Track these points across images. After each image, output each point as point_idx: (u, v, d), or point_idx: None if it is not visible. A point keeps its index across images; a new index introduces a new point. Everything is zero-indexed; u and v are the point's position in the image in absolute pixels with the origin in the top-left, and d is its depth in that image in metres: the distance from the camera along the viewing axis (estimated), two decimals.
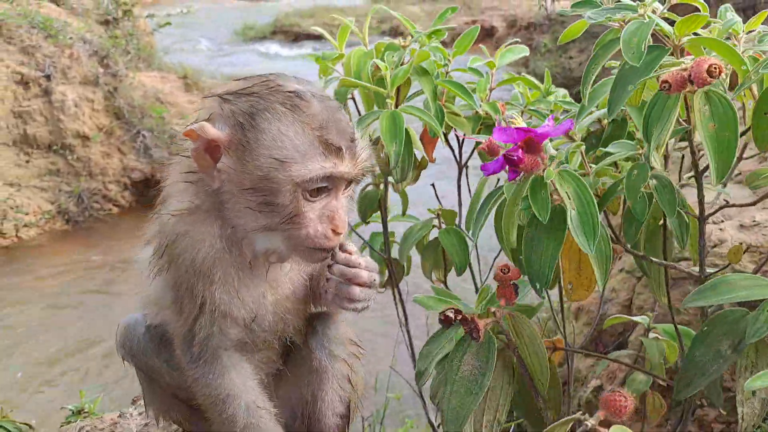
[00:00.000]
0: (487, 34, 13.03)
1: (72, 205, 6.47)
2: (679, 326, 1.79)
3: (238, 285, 1.27)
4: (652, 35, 1.38)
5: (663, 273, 1.72)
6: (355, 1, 17.67)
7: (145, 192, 6.96)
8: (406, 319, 2.55)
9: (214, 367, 1.33)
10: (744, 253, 2.00)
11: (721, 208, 1.72)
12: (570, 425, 1.22)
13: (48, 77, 6.66)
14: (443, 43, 2.15)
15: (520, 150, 1.31)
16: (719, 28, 1.48)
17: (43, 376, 4.44)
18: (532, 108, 2.17)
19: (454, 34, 2.19)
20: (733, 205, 1.71)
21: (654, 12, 1.45)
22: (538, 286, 1.35)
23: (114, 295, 5.38)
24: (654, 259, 1.64)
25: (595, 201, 1.31)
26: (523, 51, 2.22)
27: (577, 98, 1.72)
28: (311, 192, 1.19)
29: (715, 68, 1.23)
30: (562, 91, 2.34)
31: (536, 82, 2.26)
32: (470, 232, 1.69)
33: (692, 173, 1.55)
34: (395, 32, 13.91)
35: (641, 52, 1.33)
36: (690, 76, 1.26)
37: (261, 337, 1.35)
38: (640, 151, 1.51)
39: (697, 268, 1.57)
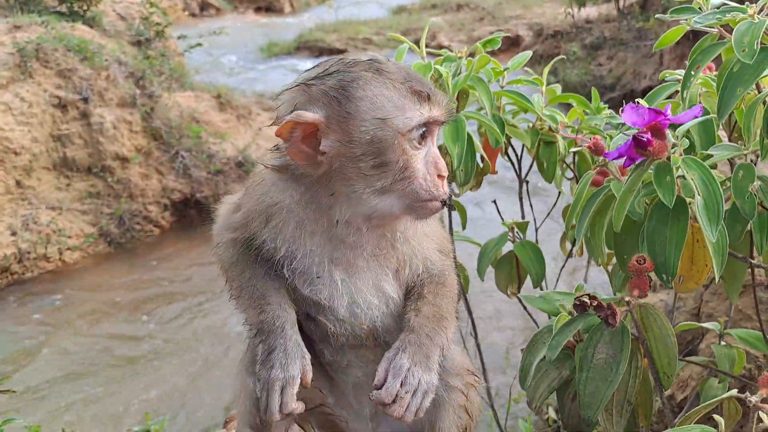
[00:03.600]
0: (513, 44, 12.96)
1: (113, 227, 6.51)
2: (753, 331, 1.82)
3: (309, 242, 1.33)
4: None
5: (742, 274, 1.71)
6: (376, 14, 17.73)
7: (185, 212, 6.99)
8: (474, 331, 2.54)
9: None
10: None
11: None
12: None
13: (85, 100, 6.72)
14: (471, 54, 2.21)
15: (650, 133, 1.32)
16: None
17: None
18: (587, 126, 2.21)
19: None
20: None
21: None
22: (665, 277, 1.38)
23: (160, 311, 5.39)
24: (752, 261, 1.62)
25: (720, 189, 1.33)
26: (526, 56, 2.27)
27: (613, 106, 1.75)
28: (417, 140, 1.26)
29: None
30: (608, 110, 2.38)
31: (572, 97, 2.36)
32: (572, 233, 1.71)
33: None
34: (418, 44, 13.83)
35: (754, 50, 1.34)
36: None
37: (343, 326, 1.36)
38: (746, 152, 1.52)
39: None
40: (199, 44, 8.56)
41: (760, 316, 1.86)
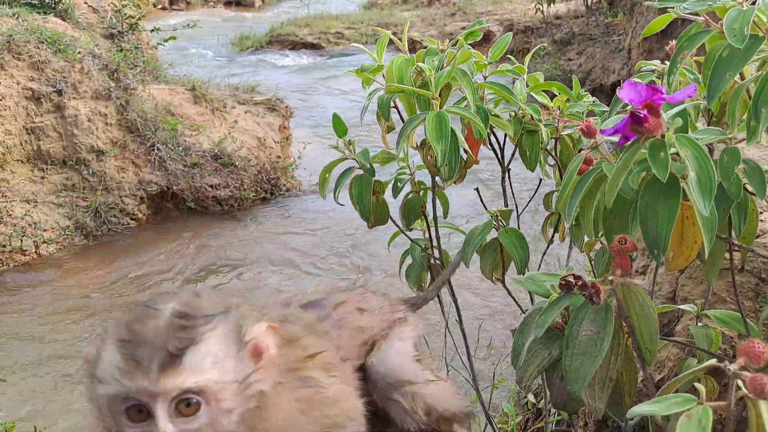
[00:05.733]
0: (484, 39, 13.07)
1: (89, 220, 6.47)
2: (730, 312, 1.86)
3: None
4: None
5: (720, 257, 1.77)
6: (347, 9, 17.72)
7: (162, 205, 6.97)
8: (459, 317, 2.59)
9: None
10: None
11: None
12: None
13: (59, 92, 6.65)
14: (454, 45, 2.23)
15: (646, 110, 1.35)
16: None
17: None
18: (570, 113, 2.27)
19: (452, 39, 2.28)
20: None
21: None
22: (656, 252, 1.40)
23: None
24: (736, 242, 1.69)
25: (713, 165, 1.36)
26: (506, 39, 2.29)
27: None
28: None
29: None
30: (591, 97, 2.44)
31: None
32: (564, 215, 1.76)
33: None
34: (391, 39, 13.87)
35: (744, 36, 1.39)
36: None
37: None
38: (730, 136, 1.56)
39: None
40: (173, 37, 8.51)
41: (738, 297, 1.92)
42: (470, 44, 2.24)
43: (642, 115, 1.34)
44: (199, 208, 7.00)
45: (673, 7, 1.53)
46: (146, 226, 6.74)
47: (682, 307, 2.15)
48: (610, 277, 1.47)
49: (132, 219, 6.71)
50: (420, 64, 2.11)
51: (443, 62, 2.16)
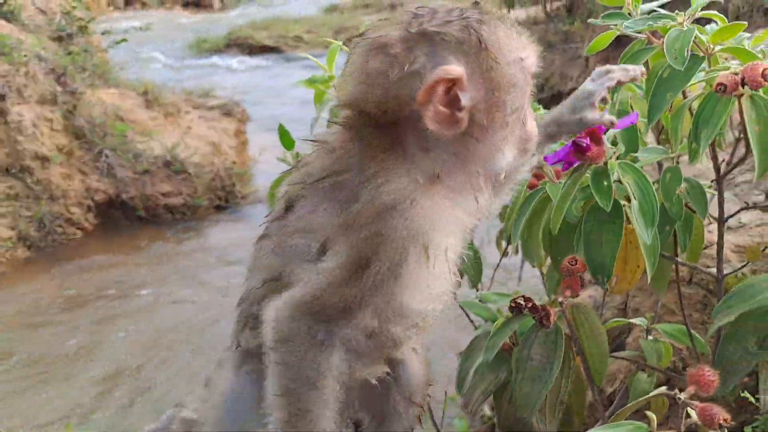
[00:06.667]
0: None
1: (33, 231, 6.22)
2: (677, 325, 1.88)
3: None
4: None
5: (668, 271, 1.78)
6: (308, 12, 17.61)
7: (110, 213, 6.74)
8: None
9: None
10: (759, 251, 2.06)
11: (741, 210, 1.89)
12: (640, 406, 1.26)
13: (2, 97, 6.39)
14: None
15: (588, 138, 1.37)
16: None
17: None
18: None
19: None
20: (754, 207, 1.76)
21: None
22: (600, 278, 1.42)
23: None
24: (679, 259, 1.70)
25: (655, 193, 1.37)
26: None
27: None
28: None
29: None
30: (542, 110, 2.42)
31: None
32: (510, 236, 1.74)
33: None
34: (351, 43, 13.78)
35: (684, 57, 1.38)
36: (743, 79, 1.32)
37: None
38: (672, 155, 1.58)
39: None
40: (124, 40, 8.29)
41: (684, 310, 1.92)
42: None
43: (585, 145, 1.35)
44: (150, 216, 6.80)
45: (616, 24, 1.51)
46: (94, 237, 6.52)
47: (632, 320, 2.15)
48: (560, 298, 1.46)
49: (79, 229, 6.48)
50: None
51: None
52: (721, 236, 1.61)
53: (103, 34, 8.61)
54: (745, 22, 1.51)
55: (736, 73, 1.31)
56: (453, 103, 1.08)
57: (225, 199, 7.22)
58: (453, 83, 1.07)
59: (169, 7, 18.54)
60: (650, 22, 1.47)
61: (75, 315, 5.30)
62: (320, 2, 18.58)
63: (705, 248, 2.63)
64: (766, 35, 1.62)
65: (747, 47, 1.48)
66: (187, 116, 7.73)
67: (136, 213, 6.75)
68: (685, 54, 1.37)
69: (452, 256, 1.17)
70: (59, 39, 7.86)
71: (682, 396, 1.20)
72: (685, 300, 2.28)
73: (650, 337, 1.98)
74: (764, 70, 1.28)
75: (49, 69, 6.77)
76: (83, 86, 6.93)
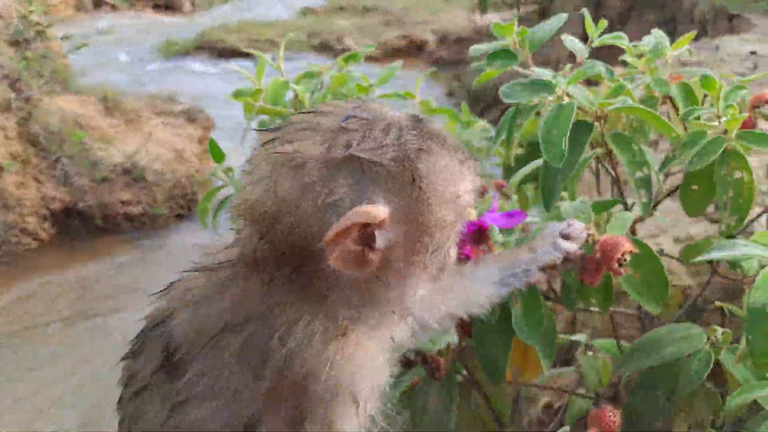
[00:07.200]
0: (419, 49, 13.09)
1: None
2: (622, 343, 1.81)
3: None
4: None
5: None
6: (282, 15, 17.47)
7: (68, 222, 6.59)
8: None
9: None
10: None
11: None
12: None
13: None
14: (375, 59, 2.18)
15: (468, 245, 1.26)
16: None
17: None
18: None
19: (387, 49, 2.22)
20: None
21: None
22: (494, 376, 1.38)
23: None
24: (592, 309, 1.60)
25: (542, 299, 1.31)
26: (396, 66, 2.23)
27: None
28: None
29: (624, 258, 1.21)
30: (482, 122, 2.38)
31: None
32: None
33: None
34: (325, 47, 13.82)
35: (562, 152, 1.24)
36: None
37: None
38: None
39: None
40: (84, 44, 8.14)
41: (616, 330, 1.85)
42: (402, 52, 2.23)
43: (464, 255, 1.23)
44: (109, 226, 6.65)
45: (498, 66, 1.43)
46: (50, 247, 6.36)
47: (573, 337, 2.13)
48: (453, 346, 1.42)
49: (34, 239, 6.33)
50: (294, 86, 2.04)
51: (321, 85, 2.08)
52: None
53: (62, 38, 8.44)
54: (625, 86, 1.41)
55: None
56: (366, 241, 0.92)
57: (187, 207, 7.09)
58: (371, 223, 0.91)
59: (139, 9, 18.31)
60: (527, 98, 1.32)
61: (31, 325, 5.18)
62: (295, 5, 18.46)
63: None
64: (687, 40, 1.56)
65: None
66: (149, 122, 7.60)
67: (95, 222, 6.60)
68: (564, 146, 1.22)
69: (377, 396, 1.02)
70: (17, 44, 7.69)
71: None
72: (625, 316, 2.27)
73: (590, 353, 1.94)
74: (622, 256, 1.18)
75: (3, 75, 6.61)
76: (40, 93, 6.78)
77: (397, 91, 2.24)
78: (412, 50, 14.19)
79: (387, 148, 0.92)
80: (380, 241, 0.91)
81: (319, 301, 0.95)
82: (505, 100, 1.36)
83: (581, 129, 1.29)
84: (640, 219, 1.48)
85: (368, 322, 0.98)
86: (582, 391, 1.93)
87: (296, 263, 0.94)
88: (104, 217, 6.62)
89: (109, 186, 6.65)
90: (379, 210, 0.89)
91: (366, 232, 0.90)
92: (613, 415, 1.21)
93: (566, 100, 1.27)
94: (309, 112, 1.01)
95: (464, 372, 1.49)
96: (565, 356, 2.92)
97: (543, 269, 1.21)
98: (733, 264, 1.32)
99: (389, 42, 13.37)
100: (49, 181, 6.47)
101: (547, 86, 1.31)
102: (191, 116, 8.15)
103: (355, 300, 0.96)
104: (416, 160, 0.92)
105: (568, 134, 1.24)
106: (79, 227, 6.58)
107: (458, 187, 0.96)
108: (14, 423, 4.24)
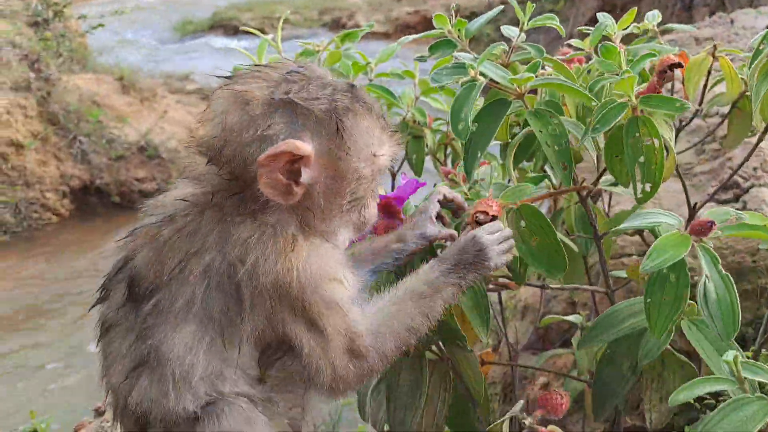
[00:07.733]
0: (431, 25, 13.05)
1: (9, 216, 6.30)
2: None
3: None
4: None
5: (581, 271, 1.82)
6: None
7: (85, 199, 6.81)
8: None
9: None
10: None
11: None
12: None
13: None
14: (385, 35, 2.16)
15: (383, 210, 1.38)
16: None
17: None
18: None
19: (398, 25, 2.20)
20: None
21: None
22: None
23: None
24: (566, 286, 1.71)
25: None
26: (394, 47, 2.21)
27: None
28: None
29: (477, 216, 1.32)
30: None
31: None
32: None
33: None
34: (336, 24, 13.88)
35: (468, 127, 1.35)
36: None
37: None
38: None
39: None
40: (101, 24, 8.28)
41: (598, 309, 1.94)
42: (414, 27, 2.16)
43: (373, 228, 1.35)
44: (125, 202, 6.86)
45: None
46: (69, 222, 6.59)
47: (567, 318, 2.15)
48: None
49: (55, 214, 6.56)
50: None
51: (316, 62, 2.08)
52: (601, 252, 1.60)
53: (78, 18, 8.61)
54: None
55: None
56: (293, 175, 1.12)
57: None
58: (299, 158, 1.10)
59: None
60: (446, 81, 1.42)
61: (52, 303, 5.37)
62: None
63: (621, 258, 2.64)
64: (630, 18, 1.60)
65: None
66: (163, 101, 7.77)
67: (111, 199, 6.81)
68: (469, 124, 1.33)
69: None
70: (36, 24, 7.88)
71: (528, 421, 1.24)
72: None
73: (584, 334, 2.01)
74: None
75: (23, 55, 6.81)
76: (58, 72, 6.96)
77: (395, 69, 2.23)
78: (424, 26, 14.20)
79: (320, 101, 1.14)
80: (305, 176, 1.12)
81: (265, 220, 1.14)
82: (433, 85, 1.50)
83: (499, 105, 1.40)
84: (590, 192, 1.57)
85: (313, 235, 1.18)
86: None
87: (240, 188, 1.15)
88: (120, 194, 6.83)
89: (125, 163, 6.85)
90: (306, 146, 1.11)
91: (293, 168, 1.11)
92: (560, 398, 1.25)
93: (480, 80, 1.37)
94: (263, 65, 1.26)
95: (436, 350, 1.51)
96: (564, 336, 3.00)
97: (411, 254, 1.38)
98: (653, 231, 1.34)
99: (401, 18, 13.40)
100: (68, 159, 6.69)
101: (462, 68, 1.41)
102: (205, 94, 8.31)
103: (294, 219, 1.16)
104: (343, 114, 1.14)
105: (480, 110, 1.38)
106: (97, 204, 6.80)
107: (376, 149, 1.18)
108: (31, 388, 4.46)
